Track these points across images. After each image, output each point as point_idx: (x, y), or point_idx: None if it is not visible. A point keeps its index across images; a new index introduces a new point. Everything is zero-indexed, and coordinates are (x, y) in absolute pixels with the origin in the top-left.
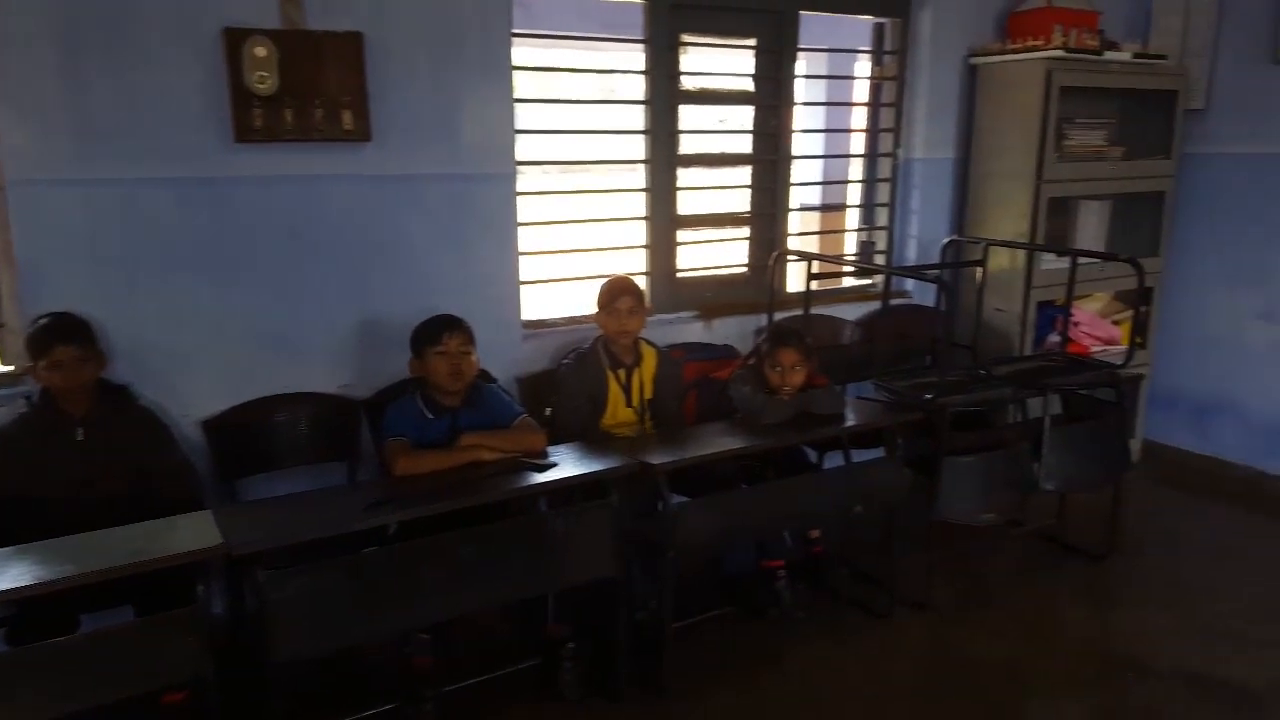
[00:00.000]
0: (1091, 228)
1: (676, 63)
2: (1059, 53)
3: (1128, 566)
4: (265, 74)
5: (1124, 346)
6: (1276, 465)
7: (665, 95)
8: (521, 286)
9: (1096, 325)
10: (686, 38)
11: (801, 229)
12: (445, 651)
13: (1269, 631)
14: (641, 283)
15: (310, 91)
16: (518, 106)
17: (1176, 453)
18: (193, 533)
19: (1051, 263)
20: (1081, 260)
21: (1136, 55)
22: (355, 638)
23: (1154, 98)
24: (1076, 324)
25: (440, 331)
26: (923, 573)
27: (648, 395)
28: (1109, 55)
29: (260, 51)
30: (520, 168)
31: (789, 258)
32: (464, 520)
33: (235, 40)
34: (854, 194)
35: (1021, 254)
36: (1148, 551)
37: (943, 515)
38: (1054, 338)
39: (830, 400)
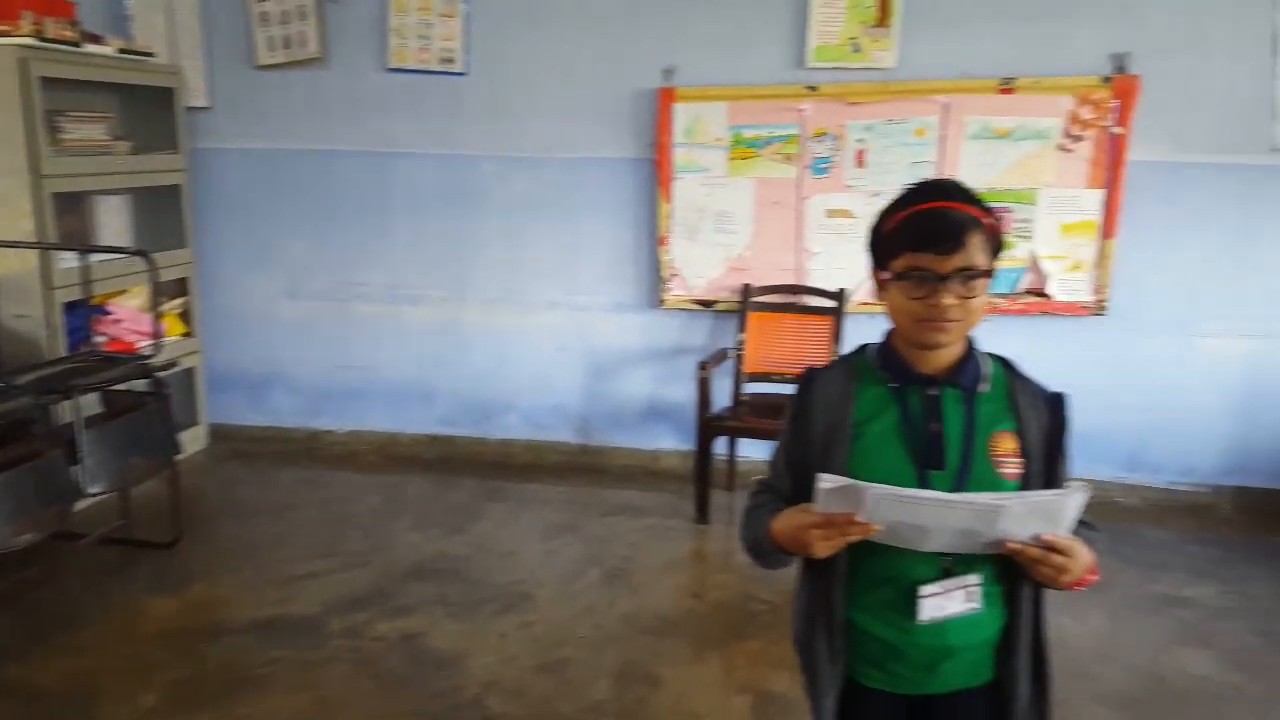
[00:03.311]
0: (116, 223)
1: None
2: (32, 41)
3: (200, 544)
4: None
5: (173, 338)
6: (323, 422)
7: None
8: None
9: (139, 320)
10: None
11: None
12: None
13: (320, 565)
14: None
15: None
16: None
17: (242, 429)
18: None
19: (76, 261)
20: (105, 256)
21: (122, 50)
22: None
23: (154, 94)
24: (119, 321)
25: None
26: None
27: None
28: (91, 48)
29: None
30: None
31: None
32: None
33: None
34: None
35: (35, 254)
36: (221, 525)
37: None
38: (99, 338)
39: None
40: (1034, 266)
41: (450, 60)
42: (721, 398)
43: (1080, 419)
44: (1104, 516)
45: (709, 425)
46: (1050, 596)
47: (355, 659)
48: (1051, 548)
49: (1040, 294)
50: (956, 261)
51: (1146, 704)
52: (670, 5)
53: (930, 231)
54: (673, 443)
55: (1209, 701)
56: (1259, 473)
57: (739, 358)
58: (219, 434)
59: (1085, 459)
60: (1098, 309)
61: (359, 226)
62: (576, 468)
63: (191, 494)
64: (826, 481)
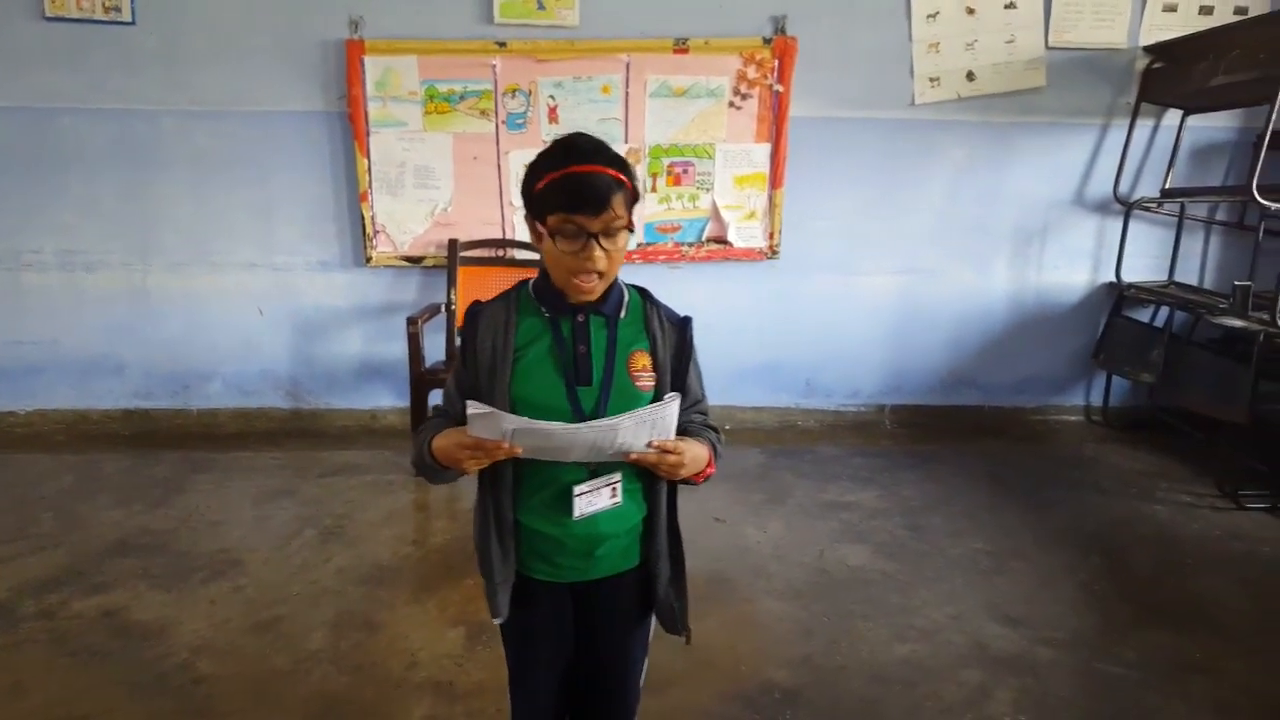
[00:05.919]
0: None
1: None
2: None
3: None
4: None
5: None
6: (0, 403)
7: None
8: None
9: None
10: None
11: None
12: None
13: (6, 550)
14: None
15: None
16: None
17: None
18: None
19: None
20: None
21: None
22: None
23: None
24: None
25: None
26: None
27: None
28: None
29: None
30: None
31: None
32: None
33: None
34: None
35: None
36: None
37: None
38: None
39: None
40: (716, 216)
41: (116, 9)
42: (436, 352)
43: (762, 353)
44: (786, 440)
45: (422, 379)
46: (722, 508)
47: (51, 639)
48: (663, 449)
49: (722, 241)
50: (605, 219)
51: (811, 594)
52: None
53: (581, 195)
54: (391, 400)
55: (863, 586)
56: (911, 391)
57: (452, 312)
58: None
59: (769, 388)
60: (771, 253)
61: (24, 190)
62: (290, 433)
63: None
64: (474, 408)
